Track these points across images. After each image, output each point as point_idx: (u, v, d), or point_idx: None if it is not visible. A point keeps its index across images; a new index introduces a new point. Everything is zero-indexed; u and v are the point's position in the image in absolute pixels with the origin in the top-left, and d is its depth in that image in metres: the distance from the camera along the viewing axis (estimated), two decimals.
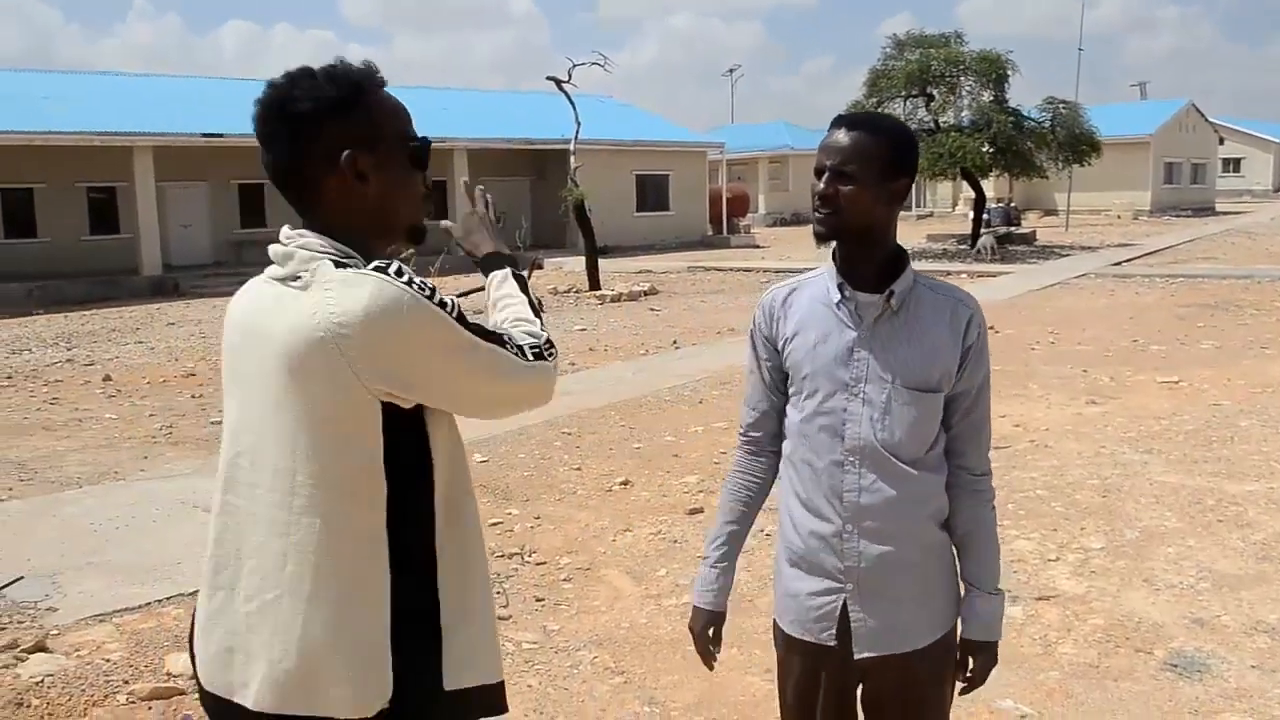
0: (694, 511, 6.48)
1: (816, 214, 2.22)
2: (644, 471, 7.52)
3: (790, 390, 2.31)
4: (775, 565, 2.40)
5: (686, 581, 5.28)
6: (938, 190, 58.18)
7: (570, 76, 23.53)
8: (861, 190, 2.18)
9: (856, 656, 2.22)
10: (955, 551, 2.30)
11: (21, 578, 5.55)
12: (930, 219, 52.28)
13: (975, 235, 30.09)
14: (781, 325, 2.32)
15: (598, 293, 21.00)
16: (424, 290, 1.68)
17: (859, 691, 2.31)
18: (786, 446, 2.33)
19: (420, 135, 1.88)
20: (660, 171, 38.46)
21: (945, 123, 30.23)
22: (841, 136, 2.20)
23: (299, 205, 1.82)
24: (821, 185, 2.20)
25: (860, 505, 2.19)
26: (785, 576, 2.33)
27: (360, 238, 1.80)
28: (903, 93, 30.28)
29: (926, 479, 2.20)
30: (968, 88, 30.21)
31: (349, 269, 1.69)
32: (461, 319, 1.72)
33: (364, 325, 1.62)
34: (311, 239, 1.76)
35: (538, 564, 5.75)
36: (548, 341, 1.90)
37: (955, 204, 54.36)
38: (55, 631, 4.82)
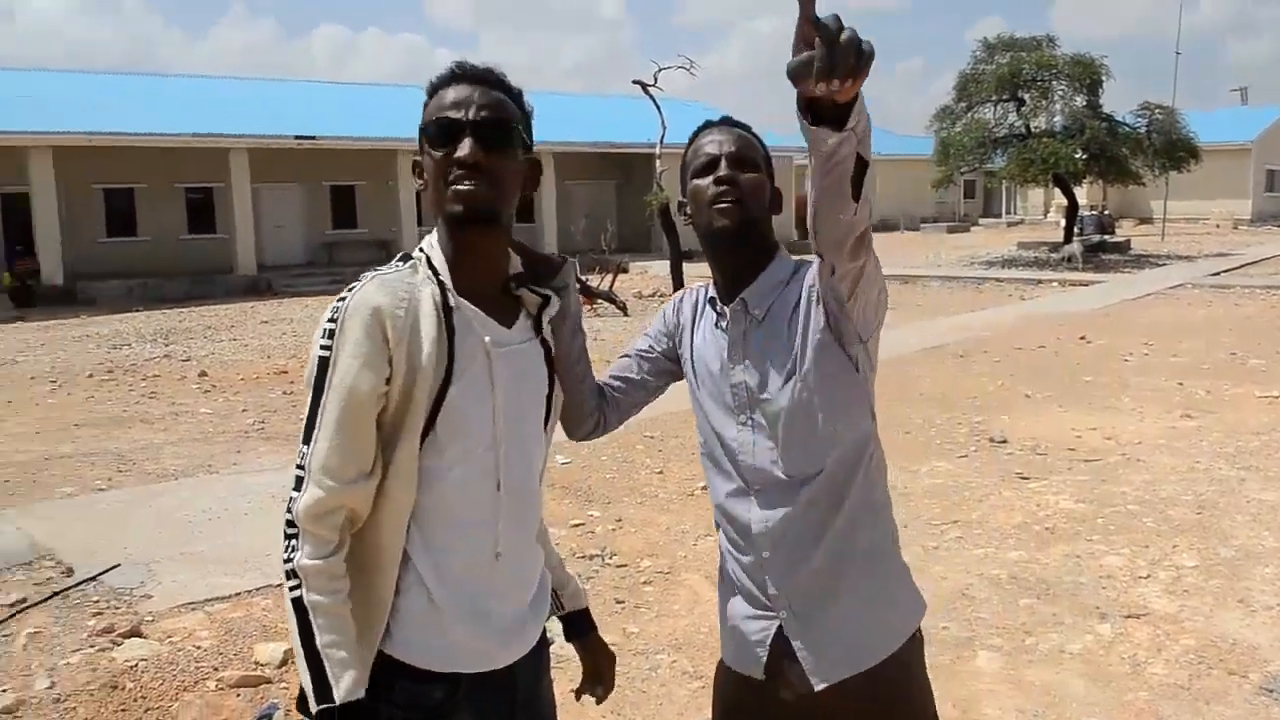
0: None
1: (716, 205, 2.00)
2: None
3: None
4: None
5: None
6: (1028, 197, 57.29)
7: (656, 80, 23.58)
8: (763, 179, 2.05)
9: (816, 689, 2.02)
10: (891, 546, 2.13)
11: (119, 565, 5.72)
12: (1021, 226, 51.43)
13: (1066, 243, 29.51)
14: (685, 331, 2.23)
15: None
16: (334, 315, 1.72)
17: None
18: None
19: (438, 117, 1.78)
20: None
21: (1036, 128, 29.72)
22: (723, 132, 2.08)
23: None
24: (723, 170, 2.01)
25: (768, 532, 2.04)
26: (722, 601, 2.21)
27: (439, 232, 1.85)
28: (993, 97, 29.87)
29: (830, 487, 2.02)
30: (1060, 92, 29.64)
31: (373, 271, 1.80)
32: (323, 371, 1.70)
33: None
34: (429, 236, 1.86)
35: (618, 566, 5.77)
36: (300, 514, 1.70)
37: (1047, 211, 53.38)
38: (149, 618, 4.96)
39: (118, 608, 5.15)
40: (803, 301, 2.00)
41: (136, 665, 4.34)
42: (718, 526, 2.17)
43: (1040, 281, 23.15)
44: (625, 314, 18.65)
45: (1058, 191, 33.41)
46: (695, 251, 33.14)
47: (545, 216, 33.26)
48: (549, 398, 1.95)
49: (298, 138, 28.23)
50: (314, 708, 1.66)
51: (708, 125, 2.11)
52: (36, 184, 25.01)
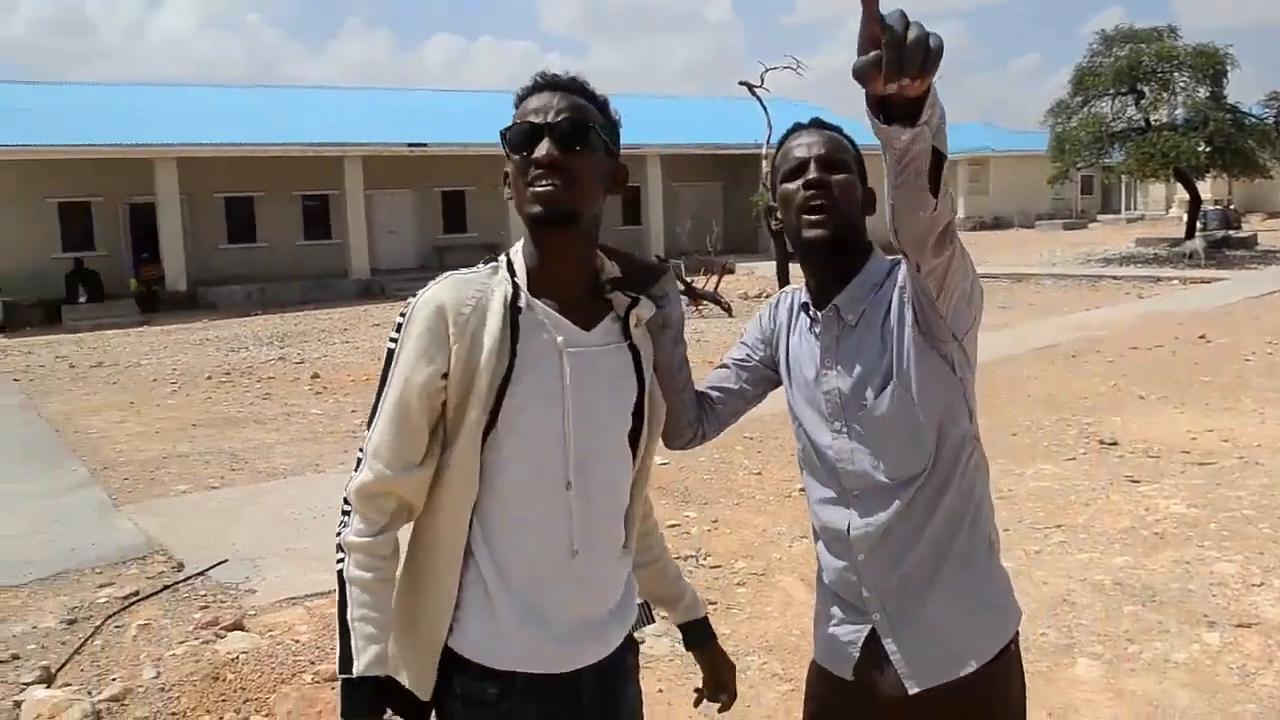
0: None
1: (806, 210, 1.97)
2: None
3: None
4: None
5: None
6: (1149, 192, 55.41)
7: (762, 81, 23.50)
8: (854, 180, 2.01)
9: (911, 692, 2.00)
10: (987, 550, 2.07)
11: (226, 560, 5.91)
12: (1141, 222, 49.79)
13: (1188, 239, 28.49)
14: (780, 335, 2.21)
15: None
16: (405, 311, 1.80)
17: None
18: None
19: (519, 122, 1.82)
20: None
21: (1156, 121, 28.75)
22: (812, 134, 2.04)
23: None
24: (813, 173, 1.98)
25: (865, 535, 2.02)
26: (818, 603, 2.20)
27: (525, 236, 1.89)
28: (1110, 90, 28.98)
29: (928, 490, 1.98)
30: (1181, 84, 28.60)
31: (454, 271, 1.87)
32: (389, 362, 1.79)
33: None
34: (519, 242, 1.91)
35: (712, 567, 5.75)
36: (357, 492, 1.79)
37: (1169, 206, 51.59)
38: (252, 612, 5.12)
39: (223, 602, 5.32)
40: (894, 304, 1.97)
41: (237, 658, 4.47)
42: (814, 532, 2.16)
43: (1159, 279, 22.41)
44: (730, 315, 18.60)
45: (1180, 186, 32.30)
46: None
47: (652, 218, 33.37)
48: (639, 403, 1.93)
49: (410, 145, 28.84)
50: (338, 676, 1.74)
51: (797, 128, 2.08)
52: (162, 194, 25.99)
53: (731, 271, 28.26)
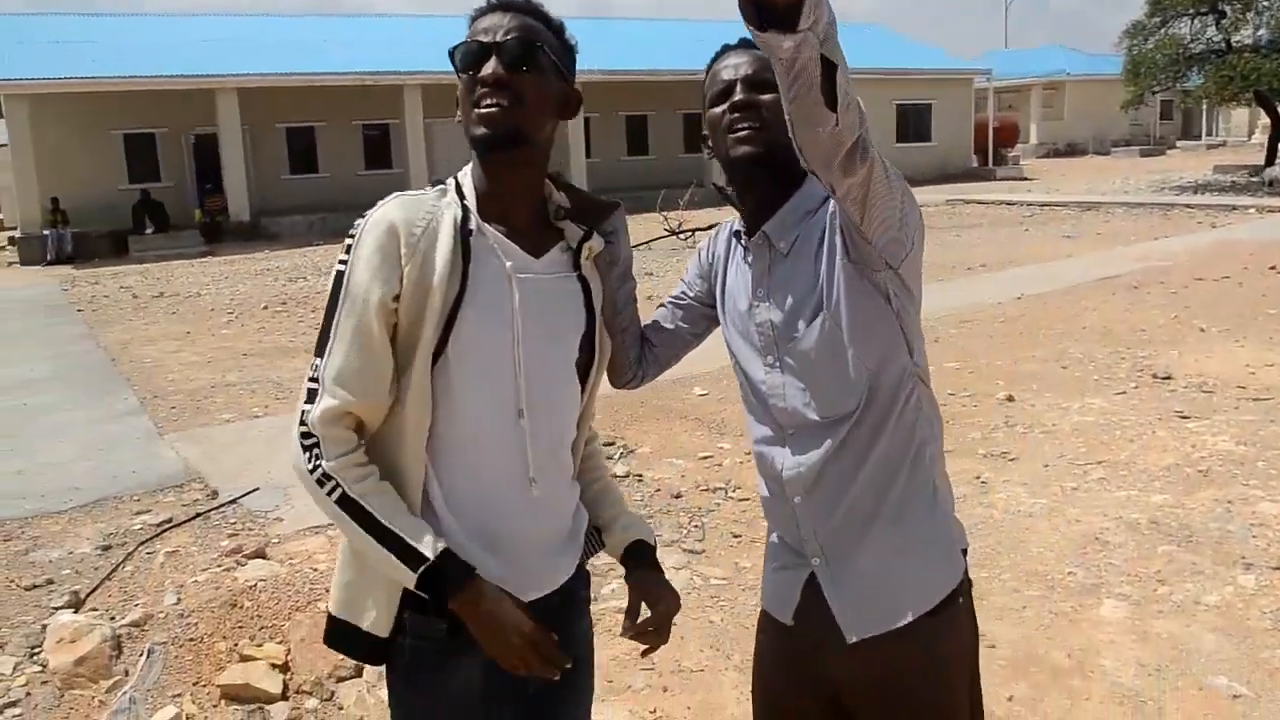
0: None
1: (735, 132, 1.85)
2: None
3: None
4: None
5: None
6: (1231, 118, 53.58)
7: None
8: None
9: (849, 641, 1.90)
10: (929, 497, 1.94)
11: (258, 489, 5.97)
12: (1221, 149, 48.19)
13: (1268, 166, 27.49)
14: (719, 269, 2.11)
15: None
16: (354, 231, 1.73)
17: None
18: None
19: (466, 41, 1.77)
20: (922, 101, 37.13)
21: (1238, 42, 27.61)
22: (740, 54, 1.91)
23: None
24: (739, 95, 1.86)
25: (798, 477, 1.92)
26: (766, 543, 2.12)
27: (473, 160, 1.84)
28: (1190, 10, 27.85)
29: (862, 430, 1.87)
30: (1265, 2, 27.40)
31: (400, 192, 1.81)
32: (338, 284, 1.71)
33: None
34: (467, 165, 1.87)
35: (740, 500, 5.69)
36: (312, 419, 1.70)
37: (1251, 133, 49.79)
38: (276, 540, 5.17)
39: (250, 529, 5.38)
40: (827, 230, 1.86)
41: (256, 585, 4.51)
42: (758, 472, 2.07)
43: (1235, 208, 21.65)
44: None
45: (1263, 112, 31.10)
46: None
47: None
48: (588, 337, 1.88)
49: None
50: (412, 579, 1.67)
51: (725, 49, 1.97)
52: (224, 125, 26.19)
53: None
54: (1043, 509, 5.30)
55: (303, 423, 1.69)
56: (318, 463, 1.68)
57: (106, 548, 5.24)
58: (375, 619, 1.78)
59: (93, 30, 28.84)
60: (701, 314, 2.18)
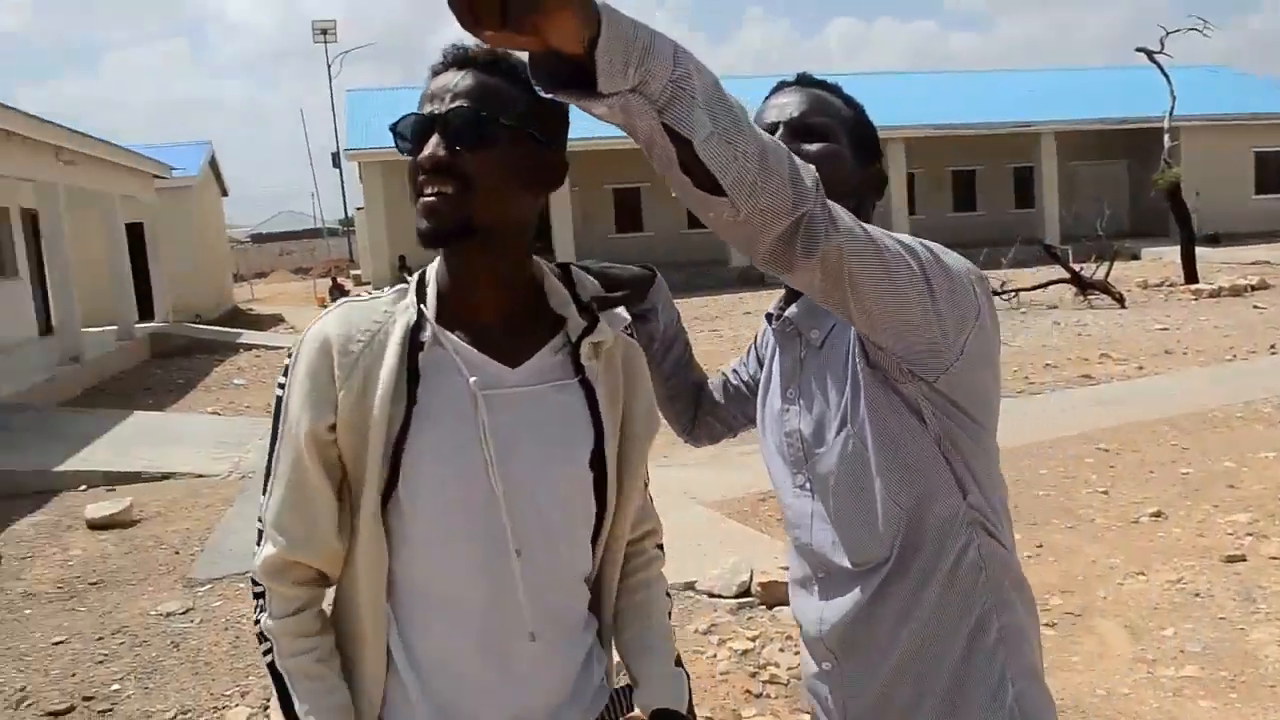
0: (1233, 559, 5.36)
1: None
2: (1184, 502, 6.41)
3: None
4: None
5: (1197, 649, 4.37)
6: None
7: (1162, 46, 21.29)
8: (841, 152, 1.47)
9: None
10: (1004, 684, 1.46)
11: None
12: None
13: None
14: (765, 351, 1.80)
15: (1193, 286, 18.72)
16: (295, 352, 1.47)
17: None
18: None
19: (407, 115, 1.44)
20: None
21: None
22: (790, 94, 1.53)
23: None
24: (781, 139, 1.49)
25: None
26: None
27: None
28: None
29: (899, 585, 1.45)
30: None
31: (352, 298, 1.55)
32: (277, 412, 1.46)
33: None
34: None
35: None
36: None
37: None
38: None
39: None
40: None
41: None
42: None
43: None
44: (1122, 305, 16.93)
45: None
46: (1220, 235, 29.82)
47: (1046, 200, 31.27)
48: (598, 451, 1.52)
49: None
50: None
51: (779, 87, 1.61)
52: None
53: (1136, 258, 26.02)
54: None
55: (252, 567, 1.49)
56: (259, 615, 1.48)
57: None
58: None
59: None
60: (746, 399, 1.84)
